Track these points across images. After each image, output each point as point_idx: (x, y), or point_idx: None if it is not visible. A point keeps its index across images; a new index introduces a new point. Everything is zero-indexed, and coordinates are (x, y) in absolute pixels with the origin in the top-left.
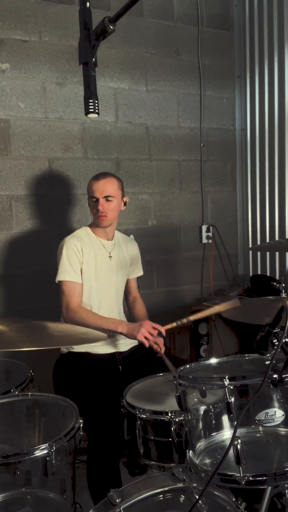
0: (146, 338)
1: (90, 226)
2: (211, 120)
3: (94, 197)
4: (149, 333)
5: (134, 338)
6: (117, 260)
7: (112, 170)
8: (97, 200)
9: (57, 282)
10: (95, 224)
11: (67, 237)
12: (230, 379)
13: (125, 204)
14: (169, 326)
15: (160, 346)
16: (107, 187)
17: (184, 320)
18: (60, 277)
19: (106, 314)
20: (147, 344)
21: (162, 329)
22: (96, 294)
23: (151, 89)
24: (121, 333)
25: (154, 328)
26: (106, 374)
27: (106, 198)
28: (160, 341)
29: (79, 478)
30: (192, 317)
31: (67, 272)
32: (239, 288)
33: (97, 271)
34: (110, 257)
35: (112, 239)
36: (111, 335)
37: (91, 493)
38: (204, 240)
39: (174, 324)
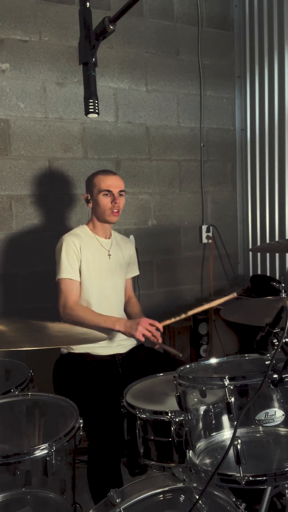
0: (144, 335)
1: (88, 224)
2: (211, 120)
3: (108, 191)
4: (147, 330)
5: (132, 336)
6: (115, 258)
7: (112, 170)
8: (113, 194)
9: (56, 280)
10: (104, 219)
11: (65, 235)
12: (230, 379)
13: None
14: (166, 322)
15: (157, 337)
16: (120, 182)
17: (182, 315)
18: (59, 275)
19: (106, 313)
20: (143, 340)
21: (160, 326)
22: (96, 292)
23: (151, 89)
24: (118, 331)
25: (151, 325)
26: (106, 374)
27: (120, 193)
28: (157, 333)
29: (79, 478)
30: (190, 312)
31: (65, 270)
32: (239, 288)
33: (97, 270)
34: (109, 255)
35: (109, 237)
36: (110, 337)
37: (92, 493)
38: (204, 240)
39: (172, 320)
